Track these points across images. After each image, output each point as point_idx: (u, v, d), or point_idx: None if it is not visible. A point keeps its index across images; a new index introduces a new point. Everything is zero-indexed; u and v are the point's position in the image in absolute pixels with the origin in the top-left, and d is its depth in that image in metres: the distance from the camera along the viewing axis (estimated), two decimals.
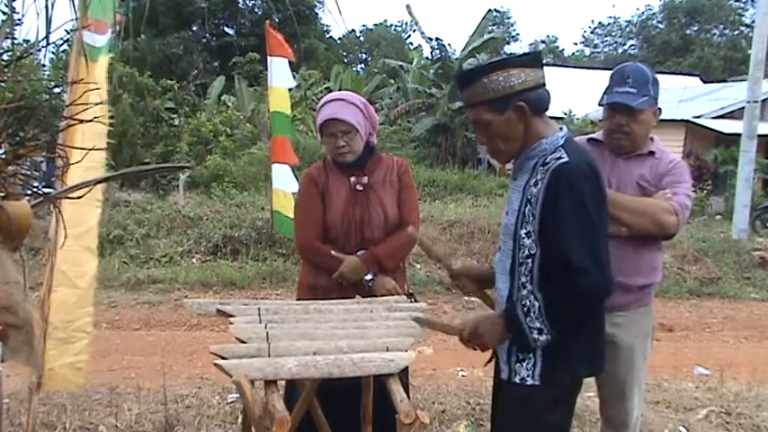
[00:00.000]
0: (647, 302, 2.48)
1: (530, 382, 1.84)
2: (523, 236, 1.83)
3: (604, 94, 2.45)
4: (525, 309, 1.79)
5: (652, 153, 2.46)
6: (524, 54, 1.96)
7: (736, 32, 38.04)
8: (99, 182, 1.79)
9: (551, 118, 1.94)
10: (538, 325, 1.77)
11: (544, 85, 1.86)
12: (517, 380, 1.86)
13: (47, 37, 1.60)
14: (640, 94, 2.35)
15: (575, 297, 1.76)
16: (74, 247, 2.72)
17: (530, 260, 1.82)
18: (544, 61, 1.98)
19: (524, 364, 1.85)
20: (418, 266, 7.47)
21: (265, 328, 1.98)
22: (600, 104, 2.45)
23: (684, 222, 2.42)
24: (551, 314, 1.76)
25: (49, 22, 1.60)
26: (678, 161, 2.48)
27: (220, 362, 1.75)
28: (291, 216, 3.62)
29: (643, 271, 2.40)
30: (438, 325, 2.16)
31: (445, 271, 2.07)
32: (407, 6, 20.57)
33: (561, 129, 1.91)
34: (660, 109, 2.48)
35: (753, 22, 15.26)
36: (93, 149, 1.72)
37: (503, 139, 1.87)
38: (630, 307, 2.37)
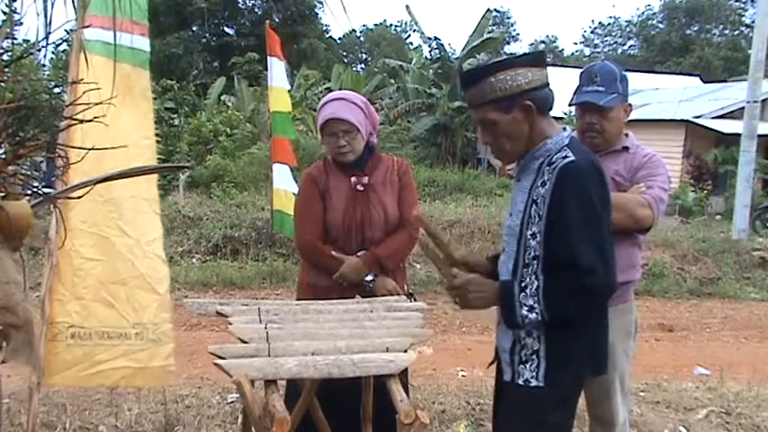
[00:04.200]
0: (626, 299, 2.48)
1: (534, 383, 1.83)
2: (529, 237, 1.82)
3: (574, 94, 2.47)
4: (522, 285, 1.79)
5: (626, 148, 2.49)
6: (529, 53, 1.96)
7: (736, 32, 38.02)
8: (99, 182, 1.79)
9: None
10: (530, 302, 1.76)
11: (548, 84, 1.86)
12: (521, 381, 1.85)
13: (47, 37, 1.60)
14: (608, 92, 2.38)
15: (581, 295, 1.76)
16: (149, 254, 2.81)
17: (535, 261, 1.81)
18: None
19: (528, 366, 1.84)
20: (418, 266, 7.47)
21: (265, 328, 1.98)
22: (570, 105, 2.46)
23: (661, 215, 2.42)
24: (549, 297, 1.75)
25: (49, 22, 1.60)
26: (653, 155, 2.49)
27: (220, 362, 1.75)
28: (292, 215, 3.62)
29: (620, 267, 2.40)
30: (437, 241, 2.01)
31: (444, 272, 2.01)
32: (407, 6, 20.59)
33: (565, 129, 1.91)
34: (631, 105, 2.50)
35: (753, 22, 15.25)
36: (93, 149, 1.72)
37: (508, 138, 1.86)
38: (609, 304, 2.37)
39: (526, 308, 1.77)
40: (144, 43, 2.85)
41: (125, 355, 2.74)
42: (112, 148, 1.94)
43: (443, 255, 2.00)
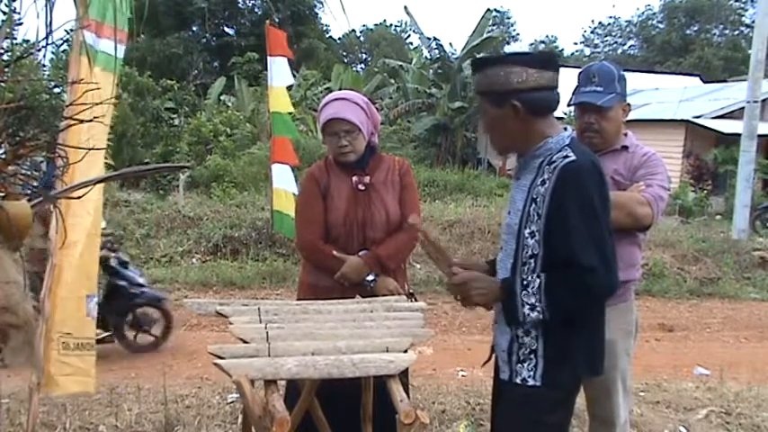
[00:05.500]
0: (626, 299, 2.49)
1: (531, 383, 1.83)
2: (527, 235, 1.82)
3: (573, 94, 2.48)
4: (524, 283, 1.79)
5: (625, 147, 2.50)
6: (534, 53, 1.96)
7: (736, 32, 38.01)
8: (99, 181, 1.79)
9: None
10: (532, 301, 1.77)
11: (551, 88, 1.83)
12: (518, 380, 1.85)
13: (47, 37, 1.60)
14: (606, 92, 2.40)
15: (582, 294, 1.76)
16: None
17: (533, 260, 1.82)
18: None
19: (526, 365, 1.84)
20: (418, 266, 7.47)
21: (265, 328, 1.98)
22: (568, 105, 2.47)
23: (661, 213, 2.44)
24: (551, 296, 1.75)
25: (49, 22, 1.60)
26: (652, 154, 2.50)
27: (220, 362, 1.75)
28: (293, 216, 3.61)
29: (620, 266, 2.40)
30: (436, 250, 2.02)
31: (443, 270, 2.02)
32: (405, 8, 20.61)
33: (566, 129, 1.91)
34: (629, 104, 2.52)
35: (753, 22, 15.26)
36: (93, 149, 1.72)
37: (499, 131, 1.89)
38: (609, 303, 2.38)
39: (528, 306, 1.77)
40: (120, 50, 2.86)
41: None
42: (109, 148, 1.95)
43: (442, 260, 2.00)
